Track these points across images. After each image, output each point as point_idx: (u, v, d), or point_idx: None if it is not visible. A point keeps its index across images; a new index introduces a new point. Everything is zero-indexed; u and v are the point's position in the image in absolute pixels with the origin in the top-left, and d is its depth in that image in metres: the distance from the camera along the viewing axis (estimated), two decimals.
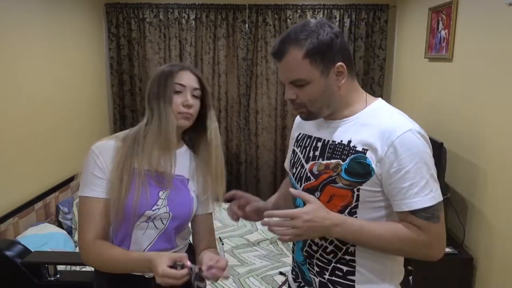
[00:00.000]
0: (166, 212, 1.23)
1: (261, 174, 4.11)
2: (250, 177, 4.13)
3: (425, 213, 1.02)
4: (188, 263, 1.07)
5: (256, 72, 3.94)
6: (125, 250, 1.22)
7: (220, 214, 3.39)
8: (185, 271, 1.05)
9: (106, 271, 1.22)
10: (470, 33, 2.41)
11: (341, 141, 1.11)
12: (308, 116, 1.15)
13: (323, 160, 1.13)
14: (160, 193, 1.23)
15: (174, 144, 1.26)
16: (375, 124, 1.07)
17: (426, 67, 3.04)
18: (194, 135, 1.34)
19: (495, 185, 2.13)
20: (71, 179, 3.15)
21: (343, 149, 1.09)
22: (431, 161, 1.05)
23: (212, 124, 1.31)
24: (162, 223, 1.24)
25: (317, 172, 1.13)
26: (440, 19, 2.78)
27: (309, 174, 1.15)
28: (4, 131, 2.48)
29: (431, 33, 2.91)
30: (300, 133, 1.28)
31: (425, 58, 3.02)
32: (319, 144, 1.16)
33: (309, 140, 1.22)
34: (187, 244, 1.40)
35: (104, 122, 3.87)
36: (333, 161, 1.10)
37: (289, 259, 2.72)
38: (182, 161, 1.31)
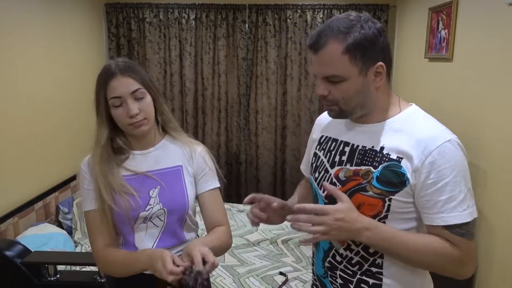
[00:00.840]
0: (161, 209, 1.23)
1: (261, 174, 4.10)
2: (250, 177, 4.13)
3: (460, 229, 0.96)
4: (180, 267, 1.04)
5: (256, 72, 3.94)
6: (128, 252, 1.23)
7: None
8: (180, 269, 1.02)
9: (121, 276, 1.23)
10: (470, 33, 2.41)
11: (372, 146, 1.04)
12: (339, 114, 1.06)
13: (351, 165, 1.06)
14: (151, 192, 1.23)
15: (150, 142, 1.28)
16: (411, 131, 1.01)
17: (426, 67, 3.04)
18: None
19: (495, 185, 2.13)
20: (71, 179, 3.15)
21: (375, 156, 1.03)
22: (468, 174, 0.99)
23: (161, 116, 1.29)
24: (160, 219, 1.24)
25: (344, 178, 1.07)
26: (440, 19, 2.78)
27: (334, 180, 1.09)
28: (4, 131, 2.47)
29: (431, 33, 2.91)
30: (323, 136, 1.21)
31: (425, 58, 3.02)
32: (347, 149, 1.10)
33: (334, 143, 1.15)
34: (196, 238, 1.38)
35: None
36: (363, 167, 1.04)
37: (289, 259, 2.72)
38: (171, 151, 1.30)
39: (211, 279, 2.45)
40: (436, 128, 1.01)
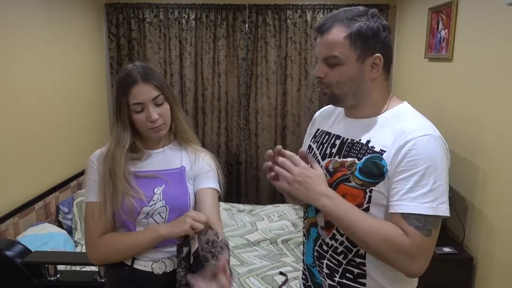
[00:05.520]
0: (163, 206, 1.26)
1: (261, 174, 4.10)
2: (250, 177, 4.13)
3: (417, 221, 0.95)
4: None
5: (256, 72, 3.94)
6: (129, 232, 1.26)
7: (220, 214, 3.39)
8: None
9: (116, 261, 1.26)
10: (470, 33, 2.41)
11: (360, 140, 1.08)
12: (331, 99, 1.10)
13: (339, 157, 1.10)
14: (156, 189, 1.27)
15: (158, 144, 1.33)
16: (397, 126, 1.04)
17: (426, 67, 3.04)
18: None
19: (495, 185, 2.13)
20: (71, 179, 3.15)
21: (360, 148, 1.07)
22: (445, 172, 0.99)
23: (175, 123, 1.33)
24: (161, 217, 1.27)
25: (332, 170, 1.10)
26: (440, 19, 2.78)
27: (325, 171, 1.12)
28: (4, 131, 2.48)
29: (431, 33, 2.91)
30: (318, 129, 1.26)
31: (425, 58, 3.02)
32: (337, 142, 1.14)
33: (327, 136, 1.19)
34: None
35: (104, 122, 3.87)
36: (349, 159, 1.07)
37: (289, 259, 2.73)
38: (176, 154, 1.35)
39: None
40: (420, 123, 1.04)
